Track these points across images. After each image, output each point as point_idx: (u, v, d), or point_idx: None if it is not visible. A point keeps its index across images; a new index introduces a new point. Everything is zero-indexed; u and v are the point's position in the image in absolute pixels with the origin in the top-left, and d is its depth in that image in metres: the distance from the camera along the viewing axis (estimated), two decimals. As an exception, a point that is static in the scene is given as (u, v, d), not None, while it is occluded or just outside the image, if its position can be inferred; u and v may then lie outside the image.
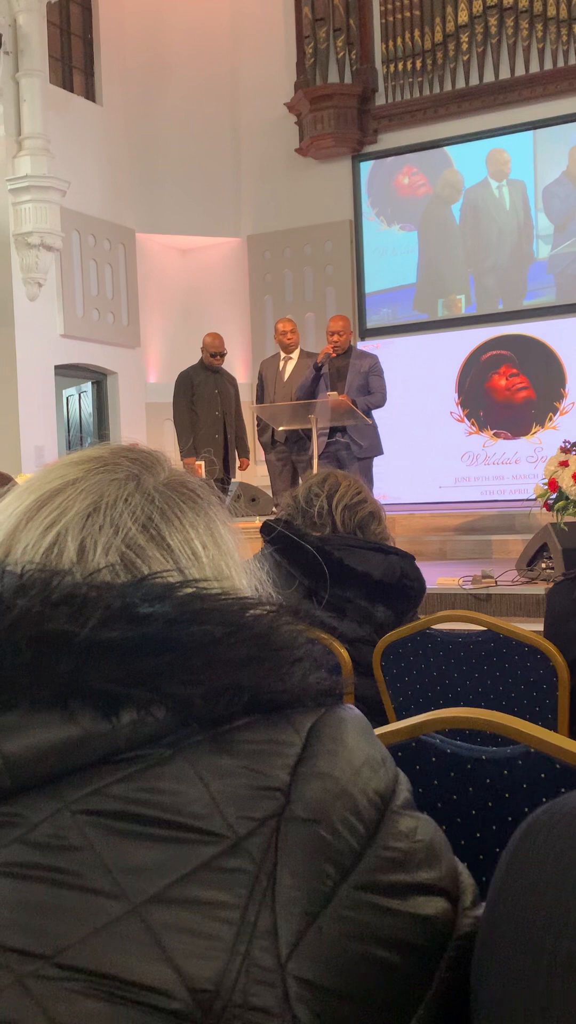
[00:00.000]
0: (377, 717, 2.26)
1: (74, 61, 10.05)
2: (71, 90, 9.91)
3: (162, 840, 0.62)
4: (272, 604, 0.74)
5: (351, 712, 0.72)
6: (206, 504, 0.81)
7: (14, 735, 0.64)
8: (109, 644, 0.66)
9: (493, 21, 9.58)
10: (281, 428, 7.49)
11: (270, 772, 0.65)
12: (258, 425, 8.10)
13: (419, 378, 9.87)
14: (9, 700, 0.65)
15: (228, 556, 0.81)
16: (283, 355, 8.00)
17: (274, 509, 6.91)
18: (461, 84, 9.83)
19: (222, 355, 8.24)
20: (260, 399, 7.99)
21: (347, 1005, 0.61)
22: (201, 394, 8.03)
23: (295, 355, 7.93)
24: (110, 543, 0.75)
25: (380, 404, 7.46)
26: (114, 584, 0.70)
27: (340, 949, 0.62)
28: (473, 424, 9.92)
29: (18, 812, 0.63)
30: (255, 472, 9.02)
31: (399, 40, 10.01)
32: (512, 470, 9.64)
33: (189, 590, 0.71)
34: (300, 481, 2.64)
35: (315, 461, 6.90)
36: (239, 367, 10.83)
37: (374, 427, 7.41)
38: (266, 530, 2.36)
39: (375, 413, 7.42)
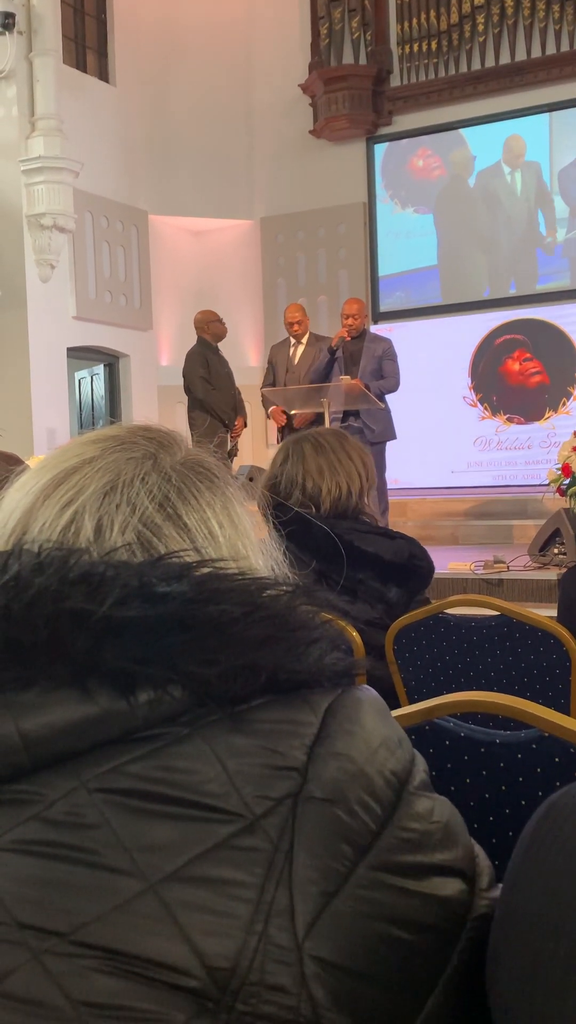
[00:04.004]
0: (389, 700, 2.26)
1: (88, 41, 10.01)
2: (85, 71, 9.88)
3: (179, 819, 0.62)
4: (289, 584, 0.74)
5: (368, 693, 0.72)
6: (223, 484, 0.81)
7: (32, 713, 0.64)
8: (126, 623, 0.66)
9: (509, 2, 9.51)
10: (293, 412, 7.48)
11: (287, 752, 0.65)
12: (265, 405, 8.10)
13: (432, 362, 9.83)
14: (27, 678, 0.65)
15: (244, 536, 0.81)
16: (293, 340, 7.99)
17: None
18: (477, 66, 9.77)
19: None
20: (271, 384, 7.98)
21: (363, 984, 0.61)
22: (218, 372, 8.02)
23: (305, 340, 7.91)
24: (127, 522, 0.75)
25: (393, 388, 7.45)
26: (131, 563, 0.70)
27: (357, 929, 0.62)
28: (486, 409, 9.89)
29: (35, 790, 0.64)
30: (267, 455, 9.02)
31: (414, 21, 9.94)
32: (525, 455, 9.62)
33: (206, 570, 0.71)
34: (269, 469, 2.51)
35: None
36: (251, 350, 10.81)
37: (387, 411, 7.40)
38: (279, 510, 2.34)
39: (388, 397, 7.41)
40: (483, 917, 0.67)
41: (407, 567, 2.38)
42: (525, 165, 9.80)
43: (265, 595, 0.71)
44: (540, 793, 1.14)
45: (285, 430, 7.83)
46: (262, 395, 7.87)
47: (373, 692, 0.73)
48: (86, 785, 0.63)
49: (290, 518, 2.24)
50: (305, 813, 0.63)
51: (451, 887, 0.67)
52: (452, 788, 1.19)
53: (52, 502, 0.76)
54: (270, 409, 7.70)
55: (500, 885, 0.67)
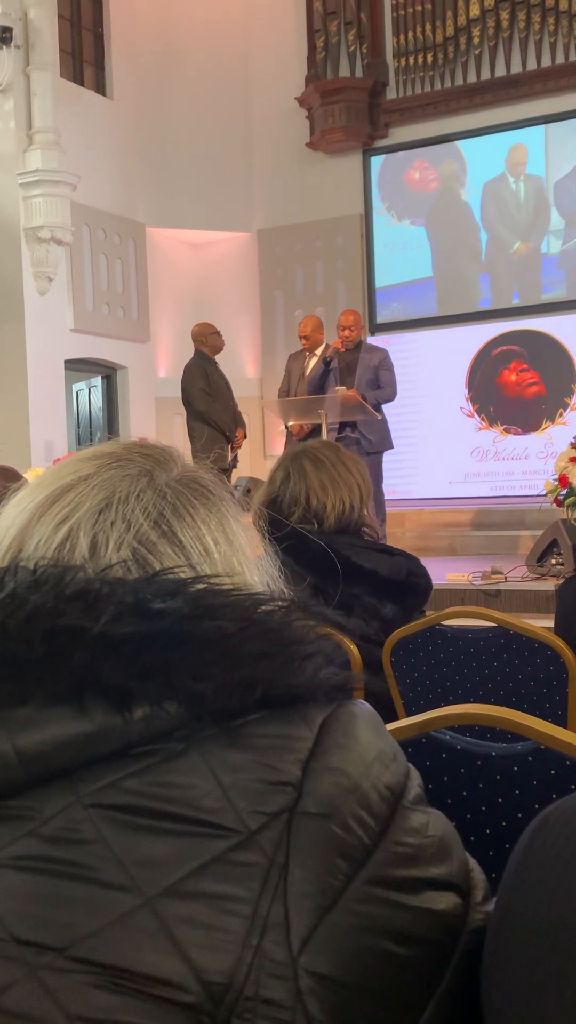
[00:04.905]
0: (386, 713, 2.27)
1: (85, 55, 10.04)
2: (82, 84, 9.90)
3: (174, 834, 0.62)
4: (284, 600, 0.74)
5: (362, 707, 0.72)
6: (218, 500, 0.82)
7: (28, 729, 0.64)
8: (122, 639, 0.66)
9: (505, 15, 9.54)
10: (291, 423, 7.50)
11: (282, 767, 0.65)
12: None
13: (429, 373, 9.85)
14: (23, 694, 0.66)
15: (240, 552, 0.81)
16: (307, 352, 8.02)
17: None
18: (472, 78, 9.80)
19: None
20: (285, 392, 8.01)
21: (358, 999, 0.61)
22: (217, 384, 8.03)
23: (319, 351, 7.94)
24: (122, 539, 0.75)
25: (390, 398, 7.46)
26: (126, 580, 0.71)
27: (351, 943, 0.62)
28: (483, 419, 9.90)
29: (31, 806, 0.64)
30: (265, 466, 9.03)
31: (410, 34, 9.98)
32: (522, 466, 9.62)
33: (201, 586, 0.71)
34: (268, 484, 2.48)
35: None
36: (249, 362, 10.83)
37: (384, 422, 7.41)
38: (273, 528, 2.34)
39: (385, 408, 7.42)
40: (478, 931, 0.68)
41: (404, 584, 2.38)
42: (527, 176, 9.82)
43: (260, 610, 0.71)
44: (536, 806, 1.14)
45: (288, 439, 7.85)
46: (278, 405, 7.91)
47: (368, 706, 0.73)
48: (82, 801, 0.64)
49: (286, 533, 2.25)
50: (300, 828, 0.63)
51: (446, 901, 0.67)
52: (449, 801, 1.19)
53: (48, 519, 0.77)
54: (289, 423, 7.71)
55: (495, 898, 0.67)
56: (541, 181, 9.76)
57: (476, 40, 9.71)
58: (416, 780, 0.71)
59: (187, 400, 8.04)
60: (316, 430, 7.30)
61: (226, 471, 7.67)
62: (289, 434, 7.83)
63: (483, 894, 0.71)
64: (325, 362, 7.41)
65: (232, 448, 8.06)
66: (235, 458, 8.16)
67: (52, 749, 0.64)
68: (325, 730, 0.68)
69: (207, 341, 8.11)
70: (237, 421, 8.14)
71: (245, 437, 8.31)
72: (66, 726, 0.65)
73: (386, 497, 7.91)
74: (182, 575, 0.72)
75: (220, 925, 0.60)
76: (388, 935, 0.63)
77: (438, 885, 0.67)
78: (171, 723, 0.66)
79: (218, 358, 8.25)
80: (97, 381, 10.41)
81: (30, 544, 0.76)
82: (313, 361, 7.91)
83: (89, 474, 0.79)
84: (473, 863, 0.73)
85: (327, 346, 7.95)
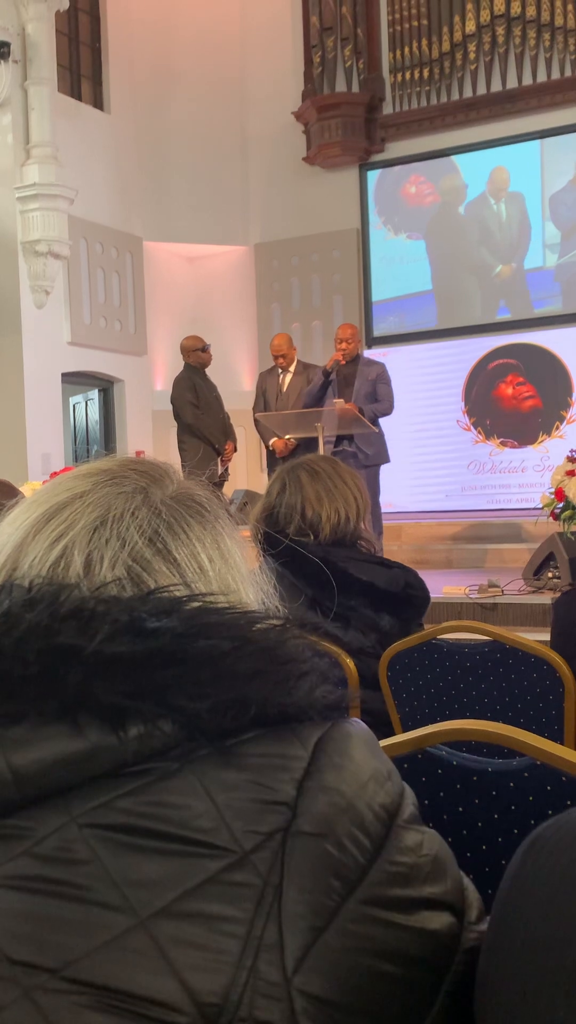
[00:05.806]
0: (383, 728, 2.26)
1: (82, 70, 10.08)
2: (79, 98, 9.94)
3: (169, 854, 0.62)
4: (279, 617, 0.74)
5: (357, 726, 0.72)
6: (213, 518, 0.81)
7: (22, 748, 0.64)
8: (117, 658, 0.66)
9: (501, 31, 9.60)
10: (288, 436, 7.49)
11: (276, 786, 0.65)
12: (263, 434, 8.11)
13: (426, 386, 9.87)
14: (17, 713, 0.65)
15: (235, 570, 0.81)
16: (280, 370, 8.00)
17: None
18: (468, 93, 9.85)
19: None
20: (262, 411, 7.99)
21: (352, 1019, 0.61)
22: (206, 397, 8.03)
23: (292, 368, 7.93)
24: (116, 557, 0.75)
25: (387, 412, 7.46)
26: (121, 598, 0.71)
27: (346, 963, 0.62)
28: (480, 433, 9.91)
29: (25, 825, 0.64)
30: (261, 479, 9.02)
31: (407, 49, 10.03)
32: (519, 479, 9.63)
33: (196, 604, 0.71)
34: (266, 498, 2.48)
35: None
36: (245, 375, 10.84)
37: (381, 435, 7.41)
38: (270, 542, 2.34)
39: (382, 421, 7.42)
40: (472, 950, 0.68)
41: (401, 596, 2.38)
42: (514, 194, 9.87)
43: (255, 629, 0.71)
44: (532, 821, 1.14)
45: (282, 458, 7.83)
46: (256, 421, 7.88)
47: (362, 725, 0.73)
48: (76, 820, 0.64)
49: (284, 547, 2.25)
50: (294, 848, 0.63)
51: (440, 921, 0.67)
52: (445, 817, 1.19)
53: (43, 537, 0.76)
54: (271, 442, 7.69)
55: (489, 917, 0.67)
56: (535, 195, 9.79)
57: (472, 55, 9.76)
58: (411, 799, 0.71)
59: (176, 414, 8.05)
60: (300, 448, 7.31)
61: (217, 485, 7.66)
62: (271, 452, 7.81)
63: (477, 913, 0.71)
64: (325, 374, 7.42)
65: (222, 461, 8.05)
66: (225, 471, 8.16)
67: (47, 768, 0.64)
68: (320, 749, 0.68)
69: (190, 356, 8.11)
70: (227, 434, 8.13)
71: (235, 450, 8.30)
72: (61, 745, 0.65)
73: (383, 510, 7.91)
74: (177, 593, 0.72)
75: (214, 946, 0.60)
76: (382, 955, 0.63)
77: (433, 905, 0.67)
78: (165, 742, 0.66)
79: (215, 371, 8.24)
80: (94, 394, 10.42)
81: (25, 562, 0.76)
82: (288, 377, 7.91)
83: (84, 491, 0.79)
84: (467, 882, 0.72)
85: (298, 362, 7.97)
